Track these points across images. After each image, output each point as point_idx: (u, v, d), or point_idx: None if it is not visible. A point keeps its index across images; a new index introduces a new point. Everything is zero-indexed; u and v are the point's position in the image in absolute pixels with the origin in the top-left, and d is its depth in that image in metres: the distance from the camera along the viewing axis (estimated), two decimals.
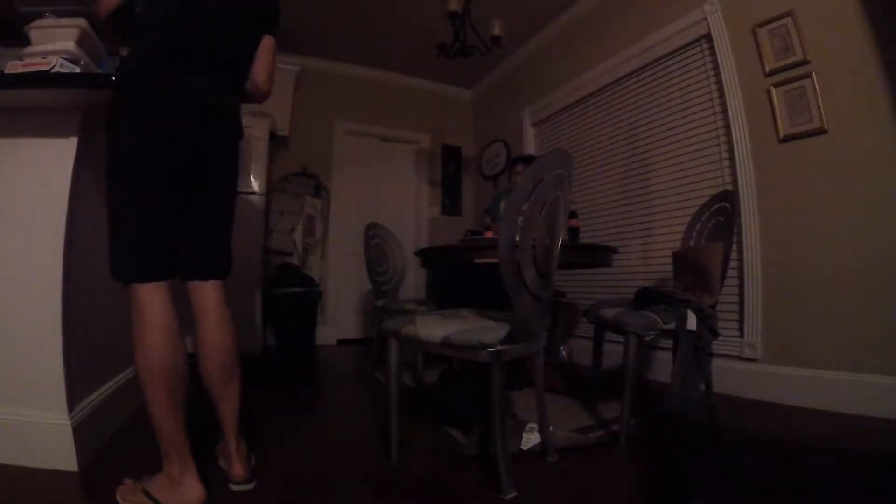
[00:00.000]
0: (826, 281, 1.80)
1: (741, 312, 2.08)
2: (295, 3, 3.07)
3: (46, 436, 1.14)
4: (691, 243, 1.75)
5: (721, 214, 1.64)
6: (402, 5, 3.19)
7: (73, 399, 1.18)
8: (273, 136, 3.38)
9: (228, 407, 1.12)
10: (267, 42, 1.27)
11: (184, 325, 1.06)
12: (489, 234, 2.28)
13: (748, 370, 2.01)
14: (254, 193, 3.04)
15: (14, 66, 1.17)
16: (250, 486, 1.10)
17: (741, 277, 2.09)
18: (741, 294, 2.08)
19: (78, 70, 1.23)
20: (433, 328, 1.17)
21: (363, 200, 4.10)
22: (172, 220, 1.08)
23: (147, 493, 0.99)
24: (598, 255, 1.96)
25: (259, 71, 1.26)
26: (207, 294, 1.13)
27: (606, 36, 2.93)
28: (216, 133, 1.12)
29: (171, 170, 1.05)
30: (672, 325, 1.42)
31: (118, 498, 1.00)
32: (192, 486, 0.99)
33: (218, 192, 1.16)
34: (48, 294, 1.16)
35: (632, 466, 1.27)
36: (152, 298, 1.01)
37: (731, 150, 2.17)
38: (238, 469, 1.09)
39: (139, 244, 1.02)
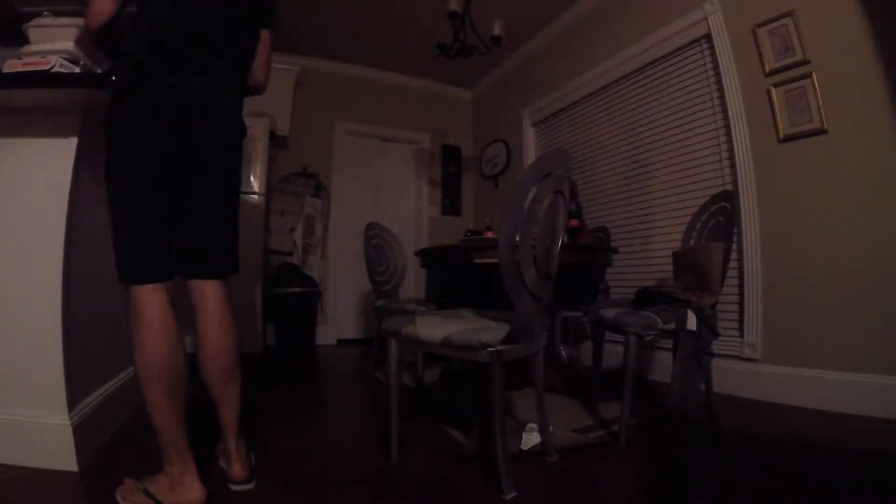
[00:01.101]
0: (826, 281, 1.80)
1: (741, 312, 2.08)
2: (295, 3, 3.07)
3: (46, 436, 1.14)
4: (691, 243, 1.75)
5: (721, 214, 1.64)
6: (402, 5, 3.19)
7: (73, 399, 1.18)
8: (273, 136, 3.39)
9: (228, 408, 1.11)
10: (265, 36, 1.29)
11: (185, 326, 1.06)
12: (489, 234, 2.28)
13: (748, 370, 2.01)
14: (254, 193, 3.04)
15: (13, 66, 1.17)
16: (250, 486, 1.10)
17: (741, 277, 2.09)
18: (741, 294, 2.08)
19: (77, 70, 1.23)
20: (433, 328, 1.17)
21: (363, 200, 4.10)
22: (171, 221, 1.08)
23: (147, 493, 0.99)
24: (598, 256, 1.96)
25: (260, 66, 1.30)
26: (207, 293, 1.12)
27: (606, 36, 2.93)
28: (216, 132, 1.11)
29: (169, 171, 1.05)
30: (672, 325, 1.42)
31: (118, 498, 1.00)
32: (193, 485, 1.00)
33: (218, 192, 1.14)
34: (48, 294, 1.16)
35: (632, 466, 1.27)
36: (150, 299, 1.02)
37: (731, 150, 2.17)
38: (237, 469, 1.09)
39: (137, 246, 1.03)
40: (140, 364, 0.99)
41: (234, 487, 1.09)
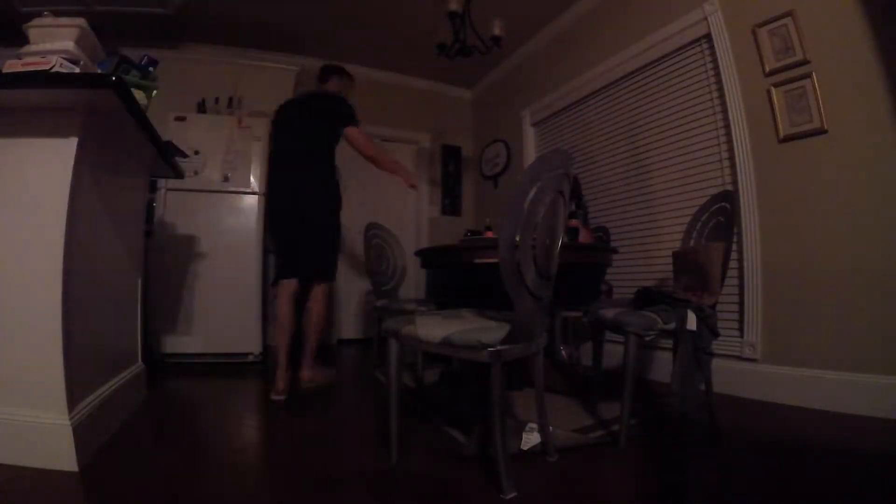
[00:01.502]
0: (826, 281, 1.80)
1: (741, 312, 2.08)
2: (295, 3, 3.07)
3: (46, 436, 1.14)
4: (691, 243, 1.75)
5: (721, 214, 1.64)
6: (402, 5, 3.19)
7: (73, 399, 1.18)
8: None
9: (307, 346, 2.19)
10: (349, 133, 2.21)
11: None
12: (489, 234, 2.28)
13: (748, 370, 2.01)
14: (254, 193, 3.03)
15: (13, 66, 1.17)
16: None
17: (741, 277, 2.09)
18: (741, 294, 2.08)
19: (77, 70, 1.23)
20: (433, 328, 1.17)
21: (363, 200, 4.10)
22: (291, 252, 2.18)
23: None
24: (598, 255, 1.96)
25: (361, 148, 2.25)
26: (313, 288, 2.19)
27: (606, 36, 2.93)
28: (307, 206, 2.13)
29: (283, 227, 2.21)
30: (672, 325, 1.42)
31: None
32: (282, 379, 1.99)
33: (314, 235, 2.15)
34: (48, 294, 1.16)
35: (632, 466, 1.27)
36: (281, 289, 2.17)
37: (731, 150, 2.17)
38: (302, 374, 2.18)
39: (276, 263, 2.26)
40: (276, 314, 2.19)
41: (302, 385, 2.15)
